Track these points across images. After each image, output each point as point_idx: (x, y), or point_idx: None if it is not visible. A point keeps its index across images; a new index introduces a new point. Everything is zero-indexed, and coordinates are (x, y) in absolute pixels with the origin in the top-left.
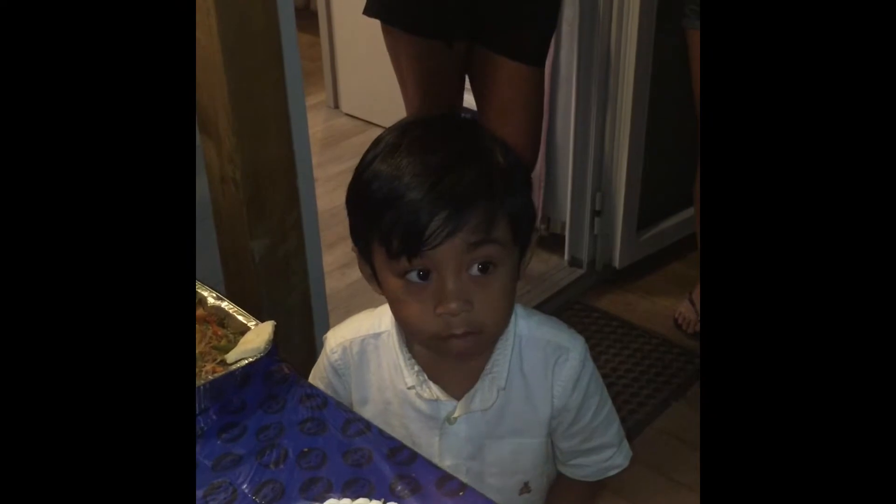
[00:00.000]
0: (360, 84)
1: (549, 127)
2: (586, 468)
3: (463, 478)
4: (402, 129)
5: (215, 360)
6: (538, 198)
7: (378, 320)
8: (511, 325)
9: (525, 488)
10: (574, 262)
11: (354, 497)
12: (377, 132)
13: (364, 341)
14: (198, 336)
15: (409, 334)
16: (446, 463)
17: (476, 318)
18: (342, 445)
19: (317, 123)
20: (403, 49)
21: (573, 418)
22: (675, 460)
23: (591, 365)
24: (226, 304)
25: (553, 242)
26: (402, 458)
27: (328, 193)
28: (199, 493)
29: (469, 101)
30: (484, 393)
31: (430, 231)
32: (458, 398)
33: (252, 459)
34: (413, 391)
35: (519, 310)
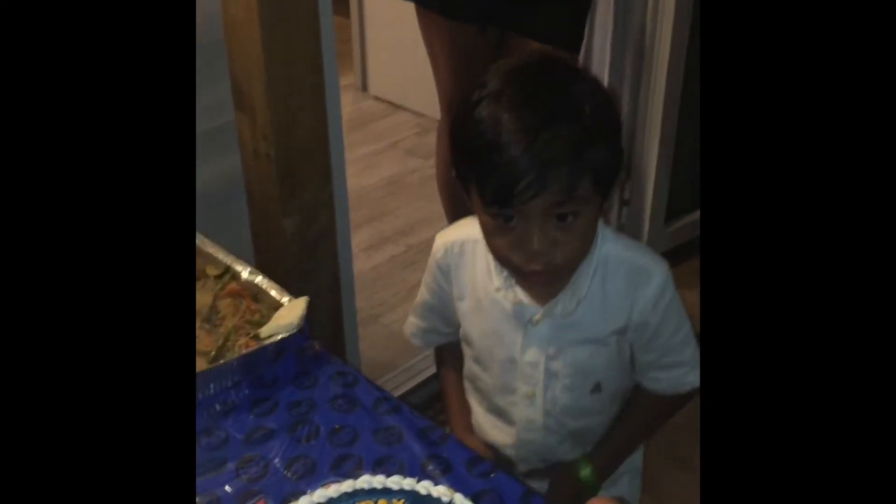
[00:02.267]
0: (388, 67)
1: None
2: (661, 382)
3: (541, 376)
4: (505, 74)
5: (249, 334)
6: None
7: (478, 228)
8: (596, 248)
9: (596, 388)
10: None
11: (386, 475)
12: (405, 116)
13: (464, 244)
14: (231, 310)
15: (495, 259)
16: (526, 360)
17: (555, 259)
18: (373, 423)
19: (345, 105)
20: (437, 32)
21: (651, 335)
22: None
23: (672, 290)
24: (260, 279)
25: None
26: (434, 438)
27: (355, 175)
28: (231, 466)
29: None
30: (565, 303)
31: (518, 189)
32: (542, 304)
33: (284, 434)
34: (500, 293)
35: (608, 234)
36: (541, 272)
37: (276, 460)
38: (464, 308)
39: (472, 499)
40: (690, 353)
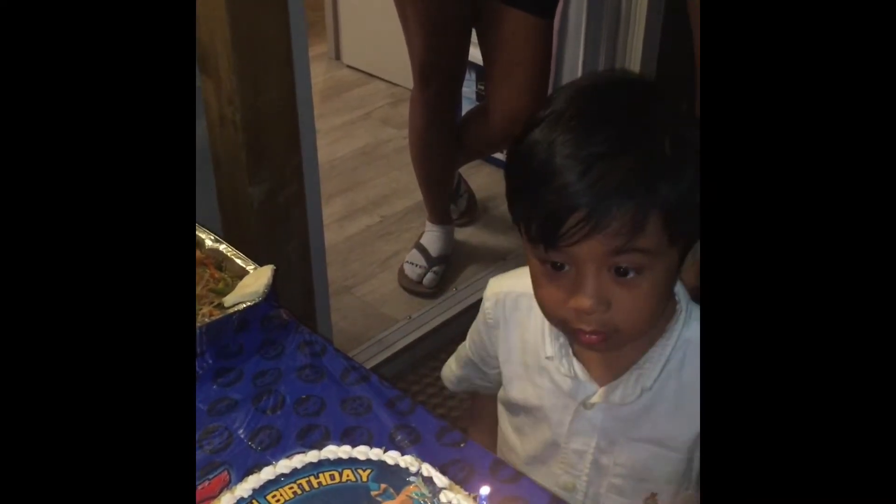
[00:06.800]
0: (362, 35)
1: (554, 82)
2: None
3: (586, 468)
4: (573, 93)
5: (212, 303)
6: None
7: None
8: (678, 325)
9: (651, 498)
10: None
11: (353, 445)
12: (379, 85)
13: (519, 298)
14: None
15: (542, 312)
16: (572, 447)
17: (611, 319)
18: (341, 393)
19: (318, 74)
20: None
21: None
22: None
23: None
24: (224, 247)
25: None
26: (403, 408)
27: (328, 146)
28: None
29: (475, 55)
30: (627, 388)
31: (566, 227)
32: (602, 383)
33: (248, 405)
34: (551, 363)
35: (697, 314)
36: (592, 332)
37: (240, 431)
38: (509, 372)
39: (443, 469)
40: None
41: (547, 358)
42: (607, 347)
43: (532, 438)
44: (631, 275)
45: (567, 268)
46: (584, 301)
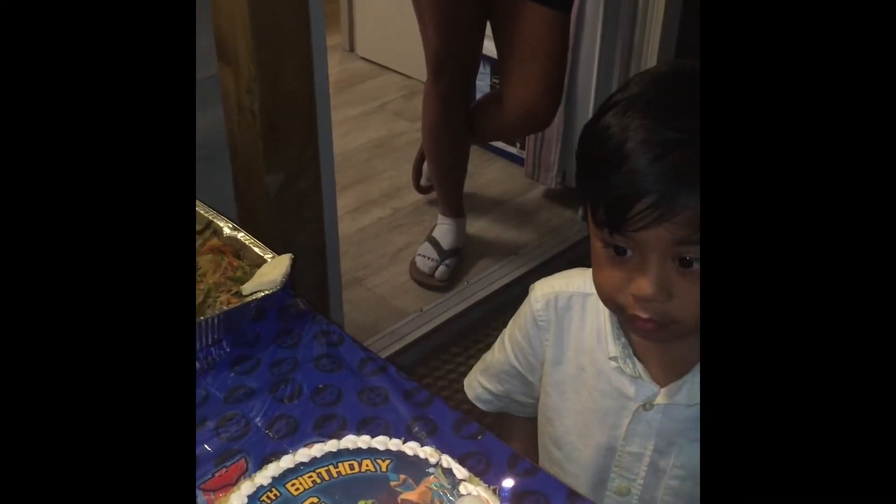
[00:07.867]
0: (376, 27)
1: (570, 77)
2: None
3: (642, 471)
4: (650, 80)
5: (230, 291)
6: (556, 150)
7: (590, 280)
8: None
9: None
10: None
11: (372, 436)
12: (393, 77)
13: (572, 297)
14: (213, 266)
15: (599, 296)
16: (628, 450)
17: (671, 310)
18: (358, 384)
19: (331, 66)
20: None
21: None
22: None
23: None
24: (242, 235)
25: (568, 196)
26: (420, 399)
27: (341, 137)
28: (210, 424)
29: (489, 48)
30: (693, 388)
31: (634, 212)
32: (662, 384)
33: (265, 393)
34: (614, 363)
35: None
36: (649, 321)
37: (258, 419)
38: (559, 375)
39: (460, 460)
40: None
41: (610, 358)
42: (661, 338)
43: (585, 449)
44: (695, 266)
45: (630, 253)
46: (646, 287)
